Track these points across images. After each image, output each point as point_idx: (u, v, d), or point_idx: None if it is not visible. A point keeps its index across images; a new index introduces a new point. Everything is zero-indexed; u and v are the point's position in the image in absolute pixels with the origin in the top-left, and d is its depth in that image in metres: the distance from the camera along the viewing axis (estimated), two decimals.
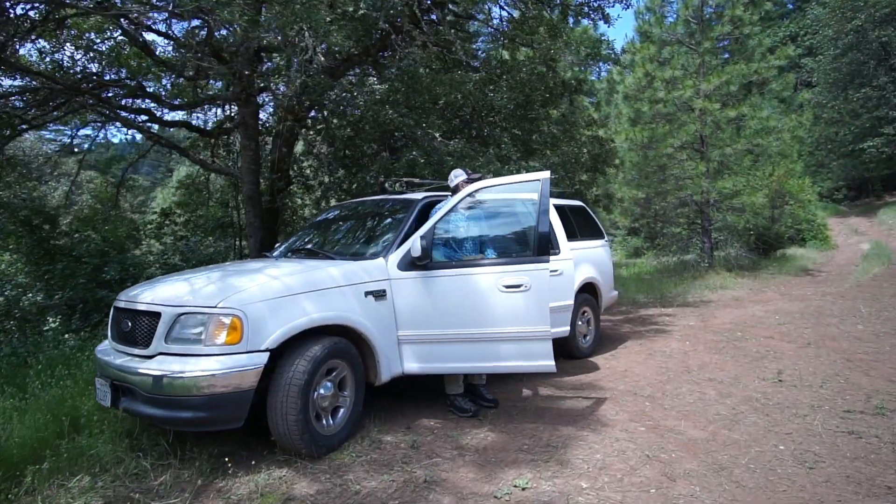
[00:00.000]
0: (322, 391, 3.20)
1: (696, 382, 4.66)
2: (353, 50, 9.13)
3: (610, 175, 15.49)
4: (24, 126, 6.36)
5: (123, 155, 11.33)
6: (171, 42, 6.95)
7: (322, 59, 6.94)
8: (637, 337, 6.90)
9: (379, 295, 3.52)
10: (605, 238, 6.48)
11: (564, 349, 5.48)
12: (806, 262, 15.73)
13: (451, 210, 3.73)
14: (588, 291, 5.84)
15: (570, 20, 12.20)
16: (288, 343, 3.06)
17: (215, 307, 2.86)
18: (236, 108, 8.49)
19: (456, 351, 3.59)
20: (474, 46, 12.03)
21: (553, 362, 3.45)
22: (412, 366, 3.66)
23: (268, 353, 2.92)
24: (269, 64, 8.78)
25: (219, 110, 9.27)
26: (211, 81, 8.33)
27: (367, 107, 8.02)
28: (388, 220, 4.11)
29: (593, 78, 18.68)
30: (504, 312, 3.47)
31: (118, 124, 8.33)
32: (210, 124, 9.21)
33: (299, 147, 11.16)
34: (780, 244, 16.98)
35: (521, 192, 3.82)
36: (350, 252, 3.87)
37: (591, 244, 6.04)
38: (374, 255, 3.72)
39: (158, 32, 7.14)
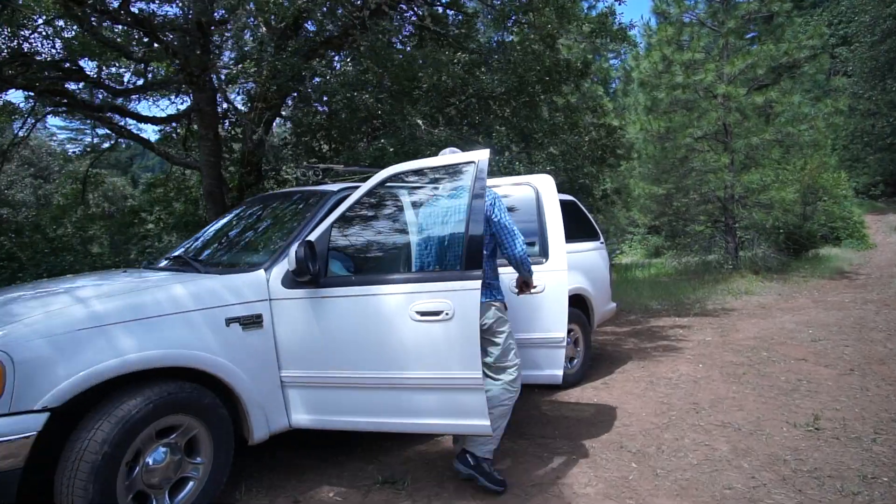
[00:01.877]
0: (152, 461, 2.25)
1: (704, 429, 3.58)
2: (330, 30, 8.21)
3: (625, 168, 14.33)
4: None
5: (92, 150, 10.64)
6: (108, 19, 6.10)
7: (264, 30, 6.07)
8: (641, 356, 5.81)
9: (250, 322, 2.55)
10: (601, 240, 5.41)
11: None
12: (841, 263, 14.27)
13: (354, 206, 2.76)
14: (576, 305, 4.78)
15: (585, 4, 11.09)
16: (96, 395, 2.12)
17: None
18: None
19: (359, 400, 2.60)
20: (478, 28, 10.99)
21: (486, 422, 2.45)
22: (301, 417, 2.69)
23: (47, 415, 1.99)
24: (227, 46, 7.89)
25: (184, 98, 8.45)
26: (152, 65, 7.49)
27: (333, 89, 7.08)
28: (288, 219, 3.14)
29: (611, 64, 17.44)
30: (418, 349, 2.47)
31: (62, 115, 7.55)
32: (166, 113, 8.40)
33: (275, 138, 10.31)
34: (813, 244, 15.54)
35: (451, 180, 2.76)
36: (225, 262, 2.91)
37: (581, 247, 4.98)
38: (250, 268, 2.73)
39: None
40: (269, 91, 7.89)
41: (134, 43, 6.64)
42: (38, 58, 6.33)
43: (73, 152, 10.88)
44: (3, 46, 5.95)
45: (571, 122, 8.36)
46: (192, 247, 3.35)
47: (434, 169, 2.77)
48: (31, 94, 6.45)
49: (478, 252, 2.45)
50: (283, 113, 9.31)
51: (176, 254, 3.30)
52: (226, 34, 8.22)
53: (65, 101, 7.61)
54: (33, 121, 8.35)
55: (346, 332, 2.58)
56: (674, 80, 12.13)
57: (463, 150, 7.74)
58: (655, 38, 12.73)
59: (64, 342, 2.06)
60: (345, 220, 2.78)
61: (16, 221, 7.95)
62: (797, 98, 11.84)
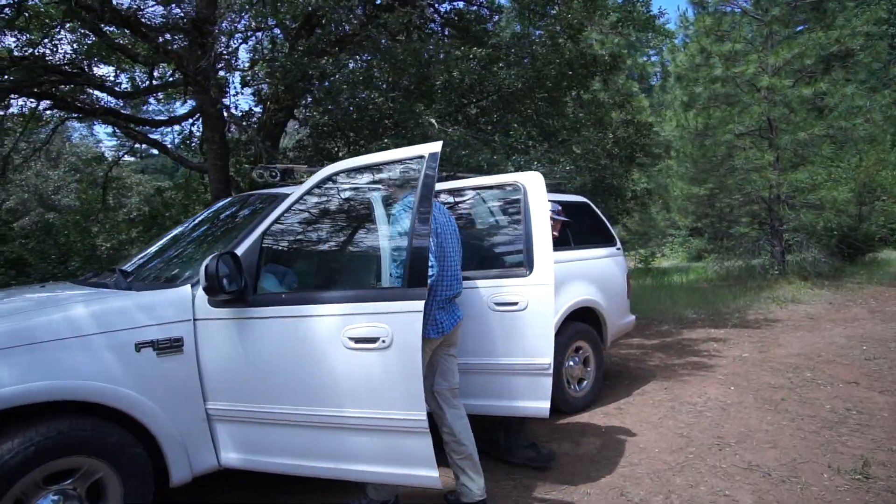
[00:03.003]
0: None
1: (725, 473, 3.01)
2: (342, 29, 7.93)
3: (661, 168, 13.54)
4: None
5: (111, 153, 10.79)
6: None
7: (277, 31, 5.81)
8: (665, 375, 5.22)
9: (167, 347, 2.20)
10: (617, 245, 4.86)
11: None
12: None
13: (287, 212, 2.41)
14: (584, 318, 4.27)
15: None
16: None
17: None
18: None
19: (291, 440, 2.23)
20: (499, 22, 10.52)
21: (434, 473, 2.01)
22: (231, 456, 2.32)
23: None
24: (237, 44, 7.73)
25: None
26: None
27: (338, 89, 6.78)
28: (235, 225, 2.79)
29: (649, 59, 16.60)
30: (353, 383, 2.08)
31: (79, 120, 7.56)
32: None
33: (290, 140, 10.16)
34: (870, 247, 14.25)
35: (398, 179, 2.38)
36: (159, 276, 2.57)
37: (592, 254, 4.47)
38: (174, 284, 2.40)
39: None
40: (280, 92, 7.68)
41: (136, 46, 6.53)
42: (46, 62, 6.28)
43: (112, 157, 11.02)
44: (20, 52, 5.92)
45: (596, 118, 7.77)
46: (147, 255, 3.05)
47: (378, 166, 2.37)
48: (45, 101, 6.42)
49: (423, 266, 2.05)
50: (297, 115, 9.12)
51: (131, 265, 2.99)
52: (236, 35, 8.08)
53: (80, 107, 7.63)
54: (52, 127, 8.42)
55: (275, 359, 2.22)
56: (713, 73, 11.29)
57: (476, 150, 7.33)
58: (693, 29, 11.92)
59: None
60: (277, 230, 2.44)
61: (47, 224, 8.03)
62: (850, 89, 10.80)
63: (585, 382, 4.27)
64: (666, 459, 3.21)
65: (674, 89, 12.36)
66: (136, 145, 10.30)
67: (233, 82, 8.41)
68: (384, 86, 7.51)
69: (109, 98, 7.15)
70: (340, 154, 8.57)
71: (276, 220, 2.43)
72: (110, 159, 9.91)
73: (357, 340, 2.09)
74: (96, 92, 6.95)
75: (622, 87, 11.37)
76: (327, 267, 2.61)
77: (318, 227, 2.55)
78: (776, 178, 11.10)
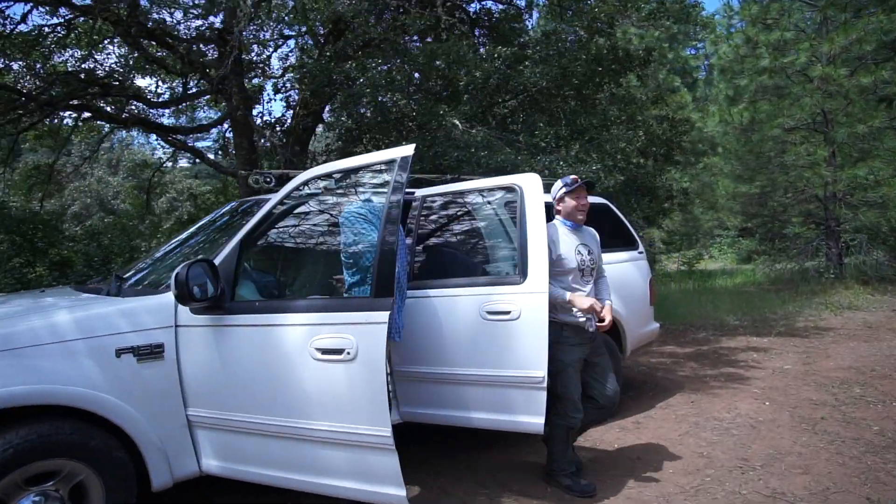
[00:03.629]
0: None
1: (745, 501, 2.77)
2: (372, 30, 7.97)
3: (704, 166, 12.94)
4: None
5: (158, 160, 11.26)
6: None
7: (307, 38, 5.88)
8: (694, 387, 4.93)
9: (148, 353, 2.21)
10: (639, 249, 4.63)
11: None
12: None
13: (263, 221, 2.40)
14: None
15: None
16: None
17: None
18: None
19: (265, 450, 2.22)
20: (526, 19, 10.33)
21: (401, 493, 1.93)
22: (212, 463, 2.32)
23: None
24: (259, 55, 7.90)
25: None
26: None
27: (360, 92, 6.79)
28: (223, 232, 2.79)
29: (693, 51, 15.92)
30: (320, 395, 2.05)
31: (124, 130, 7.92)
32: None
33: (319, 144, 10.29)
34: None
35: (370, 184, 2.36)
36: (150, 283, 2.60)
37: (612, 258, 4.25)
38: (155, 290, 2.43)
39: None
40: (308, 97, 7.80)
41: (169, 58, 6.77)
42: (92, 77, 6.61)
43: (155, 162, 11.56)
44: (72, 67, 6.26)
45: (628, 114, 7.47)
46: (149, 260, 3.11)
47: (349, 171, 2.37)
48: (86, 112, 6.75)
49: (390, 274, 1.99)
50: (325, 119, 9.24)
51: (131, 271, 3.06)
52: (268, 43, 8.27)
53: (114, 117, 7.97)
54: (100, 138, 8.87)
55: (250, 368, 2.22)
56: (759, 65, 10.69)
57: (499, 151, 7.17)
58: (737, 19, 11.32)
59: None
60: (254, 236, 2.46)
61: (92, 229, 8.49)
62: None
63: None
64: (679, 482, 2.99)
65: (718, 83, 11.77)
66: (179, 152, 10.68)
67: (268, 89, 8.59)
68: (408, 88, 7.49)
69: (144, 107, 7.45)
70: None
71: (254, 229, 2.45)
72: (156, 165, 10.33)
73: (323, 352, 2.04)
74: (133, 102, 7.27)
75: (663, 81, 10.91)
76: (301, 274, 2.62)
77: (293, 235, 2.57)
78: (832, 174, 10.36)
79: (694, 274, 15.29)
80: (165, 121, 8.63)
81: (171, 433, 2.25)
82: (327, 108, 8.95)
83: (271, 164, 9.19)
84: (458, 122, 6.97)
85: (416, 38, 8.00)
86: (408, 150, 2.16)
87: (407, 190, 3.43)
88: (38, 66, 6.07)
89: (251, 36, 8.11)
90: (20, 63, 5.91)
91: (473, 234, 3.10)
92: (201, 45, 6.11)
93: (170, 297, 2.32)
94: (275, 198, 2.47)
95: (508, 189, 2.90)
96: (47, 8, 5.18)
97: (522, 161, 6.58)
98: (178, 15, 5.60)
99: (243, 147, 7.44)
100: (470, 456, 3.43)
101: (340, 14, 7.18)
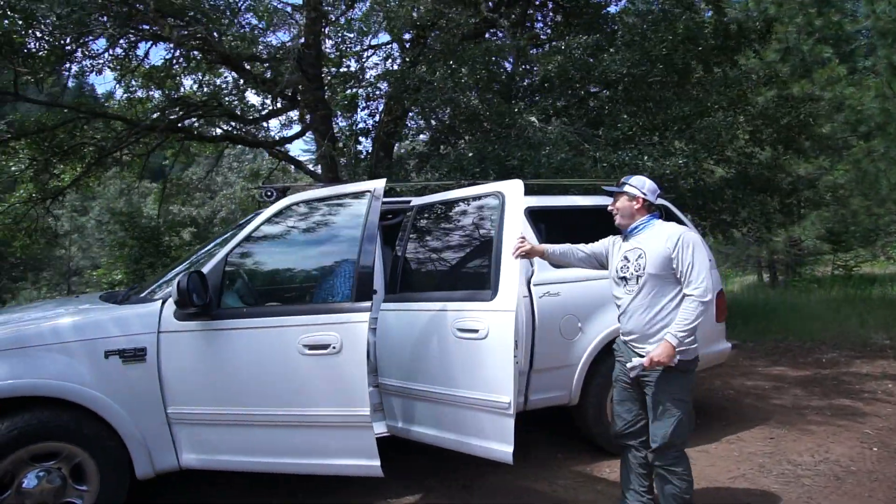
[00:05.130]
0: (26, 484, 2.33)
1: None
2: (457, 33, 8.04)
3: (857, 149, 10.83)
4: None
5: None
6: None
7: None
8: (786, 418, 4.19)
9: (131, 356, 2.47)
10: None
11: (585, 433, 3.50)
12: None
13: (250, 236, 2.69)
14: None
15: None
16: None
17: None
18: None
19: (252, 439, 2.52)
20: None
21: (377, 463, 2.37)
22: (190, 457, 2.53)
23: None
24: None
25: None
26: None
27: (431, 96, 6.84)
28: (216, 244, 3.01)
29: (849, 16, 13.39)
30: (308, 385, 2.45)
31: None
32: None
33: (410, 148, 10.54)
34: None
35: (348, 209, 2.75)
36: (145, 293, 2.88)
37: None
38: (145, 299, 2.70)
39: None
40: (391, 104, 8.08)
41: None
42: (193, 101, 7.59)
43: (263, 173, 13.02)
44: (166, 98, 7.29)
45: (730, 98, 6.48)
46: (169, 271, 3.45)
47: (330, 198, 2.75)
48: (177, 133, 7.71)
49: (367, 282, 2.45)
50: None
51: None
52: (349, 57, 8.71)
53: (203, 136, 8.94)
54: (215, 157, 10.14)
55: (239, 366, 2.50)
56: None
57: (578, 148, 6.78)
58: None
59: None
60: (242, 250, 2.72)
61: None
62: None
63: None
64: None
65: (879, 49, 9.73)
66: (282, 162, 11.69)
67: (363, 97, 9.02)
68: (476, 88, 7.39)
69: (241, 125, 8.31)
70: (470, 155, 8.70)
71: (239, 244, 2.71)
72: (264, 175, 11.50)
73: (311, 347, 2.42)
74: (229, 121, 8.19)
75: (808, 53, 9.37)
76: (286, 284, 2.86)
77: (276, 250, 2.82)
78: None
79: (851, 279, 12.91)
80: (272, 135, 9.51)
81: (152, 429, 2.50)
82: (410, 114, 9.19)
83: (355, 171, 9.70)
84: (534, 120, 6.71)
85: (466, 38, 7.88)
86: (380, 183, 2.62)
87: (402, 199, 3.42)
88: (157, 93, 7.15)
89: (334, 48, 8.65)
90: (150, 91, 7.04)
91: (458, 244, 2.96)
92: (282, 63, 6.62)
93: (156, 305, 2.58)
94: (259, 218, 2.76)
95: (493, 196, 2.71)
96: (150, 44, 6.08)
97: (603, 157, 6.13)
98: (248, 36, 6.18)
99: (325, 156, 7.92)
100: (469, 474, 3.27)
101: (417, 20, 7.33)
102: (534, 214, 3.54)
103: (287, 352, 2.46)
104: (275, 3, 6.87)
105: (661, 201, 4.14)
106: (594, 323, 3.41)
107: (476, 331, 2.47)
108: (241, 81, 7.51)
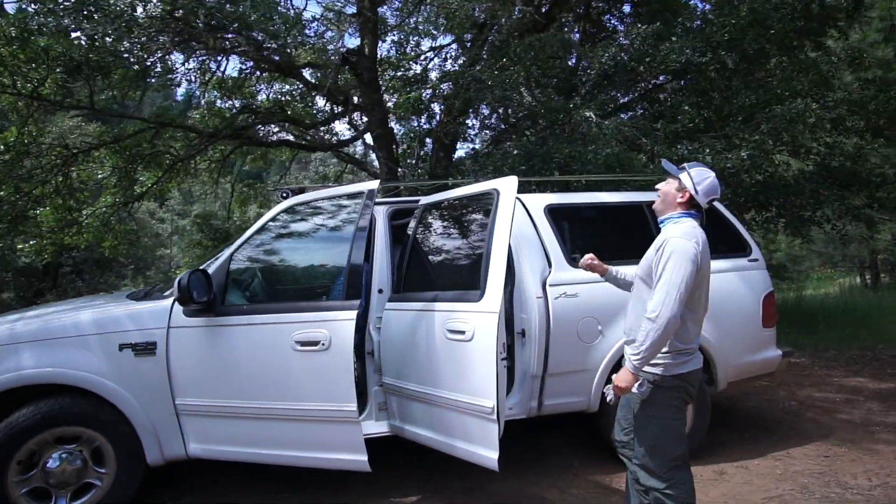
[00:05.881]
0: (50, 464, 2.57)
1: None
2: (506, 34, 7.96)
3: None
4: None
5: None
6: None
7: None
8: (850, 436, 3.76)
9: (142, 349, 2.63)
10: (750, 255, 3.67)
11: (606, 441, 3.28)
12: None
13: (252, 237, 2.81)
14: None
15: None
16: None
17: None
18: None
19: (251, 431, 2.64)
20: None
21: (363, 458, 2.45)
22: (196, 447, 2.68)
23: None
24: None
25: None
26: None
27: (477, 93, 6.77)
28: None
29: None
30: (298, 380, 2.56)
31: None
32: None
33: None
34: None
35: (342, 210, 2.83)
36: (164, 291, 3.06)
37: None
38: (158, 296, 2.86)
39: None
40: (451, 104, 8.09)
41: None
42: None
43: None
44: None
45: (805, 84, 5.83)
46: None
47: (327, 199, 2.83)
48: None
49: (356, 281, 2.55)
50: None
51: None
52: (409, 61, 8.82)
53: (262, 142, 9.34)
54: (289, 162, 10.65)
55: (239, 360, 2.63)
56: None
57: (635, 143, 6.48)
58: None
59: None
60: (245, 251, 2.84)
61: None
62: None
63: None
64: None
65: None
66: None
67: (426, 97, 9.10)
68: (529, 84, 7.21)
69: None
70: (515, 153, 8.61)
71: (241, 246, 2.84)
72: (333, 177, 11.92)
73: (302, 343, 2.52)
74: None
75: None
76: (285, 282, 2.99)
77: (275, 250, 2.92)
78: None
79: None
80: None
81: (161, 418, 2.66)
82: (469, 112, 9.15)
83: (416, 170, 9.78)
84: (589, 115, 6.46)
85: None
86: (370, 185, 2.70)
87: (411, 199, 3.40)
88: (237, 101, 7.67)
89: (394, 49, 8.79)
90: (227, 101, 7.58)
91: (456, 244, 2.91)
92: (340, 70, 6.84)
93: (167, 302, 2.74)
94: (260, 221, 2.88)
95: (488, 194, 2.63)
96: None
97: (660, 152, 5.80)
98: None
99: (383, 158, 8.08)
100: (477, 478, 3.18)
101: (476, 18, 7.32)
102: (553, 213, 3.40)
103: (281, 348, 2.56)
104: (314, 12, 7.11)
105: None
106: (616, 326, 3.20)
107: (463, 332, 2.40)
108: (303, 88, 7.84)
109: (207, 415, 2.66)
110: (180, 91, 8.75)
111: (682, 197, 2.09)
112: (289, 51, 5.85)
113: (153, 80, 6.52)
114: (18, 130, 5.48)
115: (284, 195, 3.23)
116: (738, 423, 4.08)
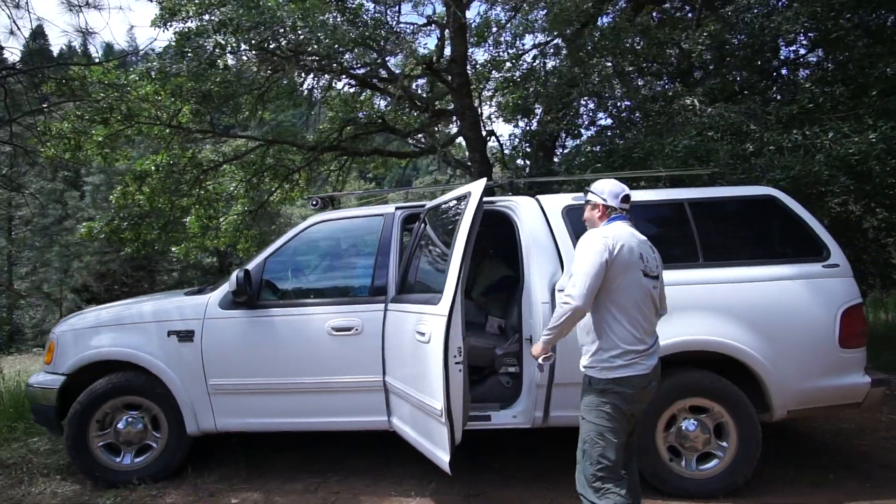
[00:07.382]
0: (122, 426, 3.20)
1: None
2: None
3: None
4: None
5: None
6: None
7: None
8: None
9: (184, 336, 3.15)
10: (825, 261, 3.07)
11: (649, 473, 2.98)
12: None
13: (286, 244, 3.32)
14: (727, 371, 2.98)
15: None
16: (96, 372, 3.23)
17: (54, 332, 3.39)
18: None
19: (283, 404, 3.14)
20: None
21: (385, 418, 2.99)
22: (226, 421, 3.17)
23: (63, 377, 3.19)
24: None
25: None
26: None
27: (557, 89, 6.56)
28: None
29: None
30: (333, 359, 3.07)
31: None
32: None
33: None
34: None
35: (368, 225, 3.43)
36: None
37: (753, 273, 3.03)
38: (201, 291, 3.41)
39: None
40: (554, 102, 7.99)
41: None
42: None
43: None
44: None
45: None
46: None
47: (352, 218, 3.44)
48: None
49: (382, 283, 3.12)
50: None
51: None
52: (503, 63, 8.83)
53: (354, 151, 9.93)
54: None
55: (277, 344, 3.12)
56: None
57: (745, 131, 5.82)
58: None
59: (79, 335, 3.29)
60: (279, 256, 3.34)
61: None
62: None
63: (715, 461, 2.96)
64: None
65: None
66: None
67: (527, 98, 9.13)
68: (630, 77, 6.79)
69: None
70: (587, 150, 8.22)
71: (277, 251, 3.33)
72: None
73: (337, 329, 3.07)
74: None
75: None
76: (318, 281, 3.58)
77: (306, 255, 3.54)
78: None
79: None
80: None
81: (197, 396, 3.15)
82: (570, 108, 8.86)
83: (515, 171, 9.70)
84: (694, 101, 5.96)
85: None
86: (391, 207, 3.32)
87: (417, 203, 3.49)
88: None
89: (490, 50, 8.89)
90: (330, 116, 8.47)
91: (441, 248, 2.89)
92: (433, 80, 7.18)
93: (206, 297, 3.24)
94: (292, 231, 3.40)
95: (465, 198, 2.62)
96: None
97: (769, 140, 5.13)
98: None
99: (476, 161, 8.22)
100: (481, 484, 3.14)
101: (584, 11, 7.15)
102: (571, 214, 3.23)
103: (317, 333, 3.08)
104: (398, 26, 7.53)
105: (767, 191, 3.33)
106: None
107: (424, 334, 2.45)
108: (396, 99, 8.37)
109: (236, 392, 3.13)
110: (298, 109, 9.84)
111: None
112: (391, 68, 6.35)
113: (269, 104, 7.51)
114: (164, 154, 6.79)
115: (315, 203, 3.57)
116: (822, 460, 3.41)
